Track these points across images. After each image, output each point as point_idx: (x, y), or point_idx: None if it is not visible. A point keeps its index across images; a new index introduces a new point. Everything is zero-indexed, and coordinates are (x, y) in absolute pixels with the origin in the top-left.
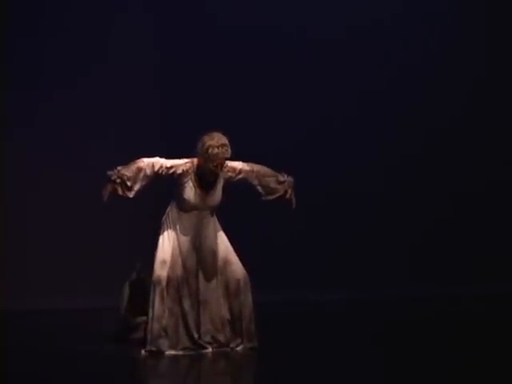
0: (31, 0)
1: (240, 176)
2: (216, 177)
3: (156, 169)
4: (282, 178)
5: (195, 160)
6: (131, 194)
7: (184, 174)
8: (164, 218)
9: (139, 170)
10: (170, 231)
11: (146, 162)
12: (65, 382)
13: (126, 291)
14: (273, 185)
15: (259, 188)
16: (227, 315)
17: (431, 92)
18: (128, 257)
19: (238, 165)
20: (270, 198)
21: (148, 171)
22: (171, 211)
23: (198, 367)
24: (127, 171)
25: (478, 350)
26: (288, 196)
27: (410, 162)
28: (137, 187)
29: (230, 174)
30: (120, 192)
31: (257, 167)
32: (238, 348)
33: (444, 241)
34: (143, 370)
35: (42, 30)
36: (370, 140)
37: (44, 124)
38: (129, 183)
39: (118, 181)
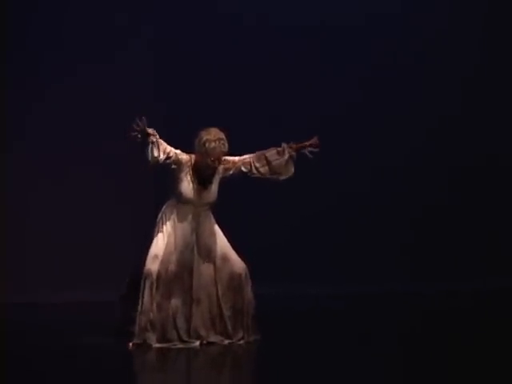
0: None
1: (237, 166)
2: (213, 171)
3: (168, 150)
4: (279, 148)
5: (193, 156)
6: (161, 156)
7: (183, 165)
8: (160, 214)
9: (161, 143)
10: (165, 227)
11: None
12: (64, 375)
13: (126, 284)
14: (275, 157)
15: (266, 169)
16: (228, 311)
17: (430, 89)
18: (128, 251)
19: (233, 158)
20: (283, 172)
21: (165, 147)
22: (167, 208)
23: (200, 361)
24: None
25: (476, 346)
26: (299, 149)
27: (406, 158)
28: (162, 155)
29: (225, 166)
30: (155, 149)
31: (253, 154)
32: (241, 342)
33: (441, 236)
34: (144, 364)
35: (41, 29)
36: (364, 137)
37: (44, 120)
38: (161, 147)
39: (156, 138)
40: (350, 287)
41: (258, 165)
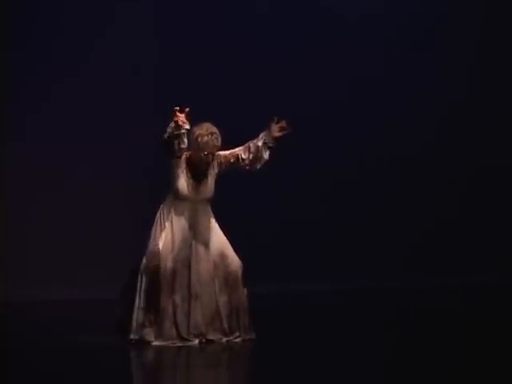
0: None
1: (227, 159)
2: (207, 166)
3: None
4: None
5: (187, 152)
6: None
7: (180, 161)
8: (158, 211)
9: None
10: (163, 224)
11: None
12: (63, 373)
13: (126, 282)
14: (255, 146)
15: (249, 160)
16: (225, 309)
17: (433, 83)
18: (128, 248)
19: (224, 152)
20: (258, 160)
21: None
22: (165, 205)
23: (196, 359)
24: None
25: (474, 343)
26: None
27: (405, 155)
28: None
29: (218, 160)
30: (185, 141)
31: (243, 146)
32: (237, 340)
33: (438, 232)
34: (142, 362)
35: (41, 29)
36: (365, 131)
37: (43, 120)
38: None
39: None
40: (346, 283)
41: (244, 156)
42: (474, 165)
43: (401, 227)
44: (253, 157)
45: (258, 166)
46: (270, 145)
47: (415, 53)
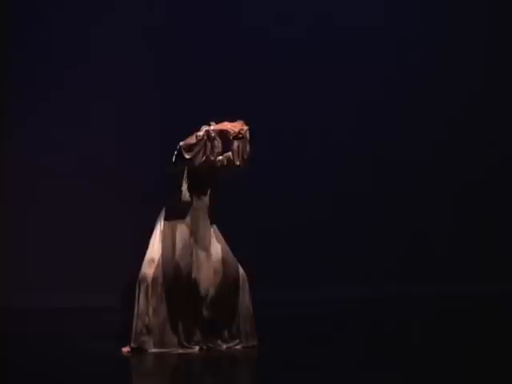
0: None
1: (222, 161)
2: (209, 172)
3: None
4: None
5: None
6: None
7: (183, 169)
8: (158, 217)
9: None
10: (163, 230)
11: None
12: (63, 380)
13: (125, 289)
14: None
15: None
16: (225, 316)
17: (436, 84)
18: (129, 255)
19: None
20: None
21: None
22: (166, 211)
23: (196, 366)
24: None
25: (475, 351)
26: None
27: (409, 160)
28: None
29: (216, 165)
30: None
31: None
32: (237, 347)
33: (442, 240)
34: (142, 369)
35: (41, 29)
36: (367, 139)
37: (44, 121)
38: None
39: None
40: (347, 291)
41: (231, 156)
42: (474, 168)
43: (401, 234)
44: (231, 151)
45: (237, 162)
46: (237, 136)
47: (416, 59)
